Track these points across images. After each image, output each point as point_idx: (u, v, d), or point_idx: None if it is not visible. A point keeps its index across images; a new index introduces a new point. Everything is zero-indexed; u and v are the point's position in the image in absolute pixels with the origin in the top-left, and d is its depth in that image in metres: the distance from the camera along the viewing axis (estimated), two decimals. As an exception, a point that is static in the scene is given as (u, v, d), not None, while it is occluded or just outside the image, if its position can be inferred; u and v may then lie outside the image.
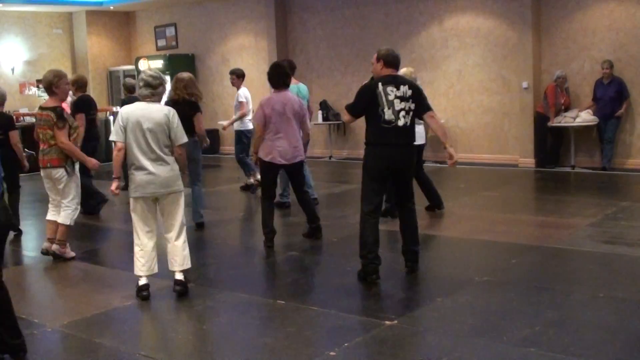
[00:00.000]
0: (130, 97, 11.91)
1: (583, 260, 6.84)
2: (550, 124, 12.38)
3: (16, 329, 4.64)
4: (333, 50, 15.71)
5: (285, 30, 16.46)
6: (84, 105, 9.53)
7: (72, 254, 7.47)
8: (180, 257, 6.02)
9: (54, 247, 7.40)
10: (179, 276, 6.05)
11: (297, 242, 7.66)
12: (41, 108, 7.29)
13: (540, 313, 5.28)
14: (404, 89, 6.12)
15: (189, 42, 18.22)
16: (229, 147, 17.56)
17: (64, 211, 7.30)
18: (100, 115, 14.72)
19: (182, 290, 6.01)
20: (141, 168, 5.85)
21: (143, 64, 17.88)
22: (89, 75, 18.40)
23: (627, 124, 12.26)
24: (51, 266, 7.39)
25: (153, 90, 5.91)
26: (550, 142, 12.75)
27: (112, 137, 5.92)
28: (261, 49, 16.73)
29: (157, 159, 5.85)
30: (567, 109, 12.49)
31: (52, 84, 7.11)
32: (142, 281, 6.02)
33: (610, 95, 12.00)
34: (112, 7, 18.29)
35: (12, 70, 17.82)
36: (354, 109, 6.33)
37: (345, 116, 6.52)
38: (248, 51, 17.06)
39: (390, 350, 4.75)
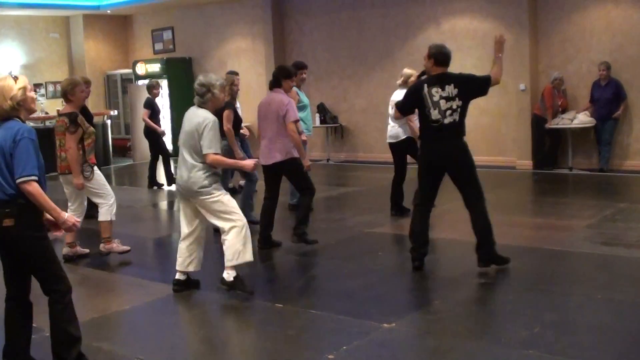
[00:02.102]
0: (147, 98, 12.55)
1: (581, 262, 6.84)
2: (547, 125, 12.39)
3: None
4: (330, 53, 15.71)
5: (283, 33, 16.47)
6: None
7: (125, 247, 7.56)
8: (228, 251, 5.91)
9: (101, 246, 7.52)
10: (224, 273, 5.97)
11: (295, 246, 7.65)
12: (58, 115, 7.45)
13: (538, 315, 5.28)
14: (449, 88, 6.28)
15: (186, 45, 18.22)
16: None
17: (101, 209, 7.41)
18: (97, 119, 14.68)
19: (223, 288, 5.98)
20: (178, 168, 6.06)
21: (140, 68, 17.89)
22: (86, 80, 18.39)
23: (625, 126, 12.26)
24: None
25: (200, 98, 5.96)
26: (548, 144, 12.76)
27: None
28: (258, 53, 16.74)
29: (186, 162, 5.94)
30: (564, 111, 12.50)
31: (66, 92, 7.24)
32: (176, 275, 6.21)
33: (607, 96, 12.01)
34: (109, 11, 18.28)
35: (10, 74, 17.79)
36: (402, 109, 6.71)
37: (396, 113, 6.83)
38: (245, 54, 17.06)
39: (388, 353, 4.75)
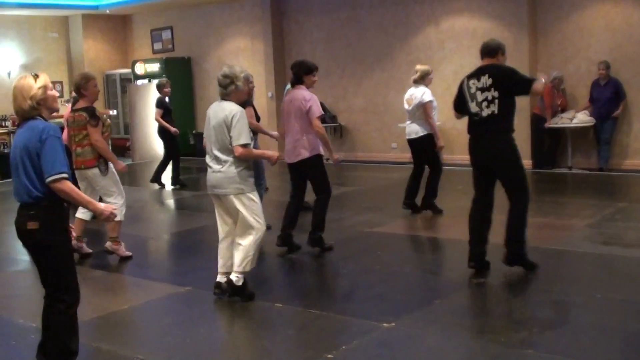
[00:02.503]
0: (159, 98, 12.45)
1: (580, 261, 6.84)
2: (547, 125, 12.38)
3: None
4: (329, 52, 15.70)
5: (282, 32, 16.46)
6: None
7: (127, 253, 7.50)
8: (238, 256, 5.76)
9: (107, 244, 7.48)
10: (232, 275, 5.82)
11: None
12: (73, 110, 7.42)
13: (538, 315, 5.28)
14: (484, 79, 6.17)
15: (186, 45, 18.21)
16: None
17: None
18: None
19: (226, 290, 5.86)
20: (208, 166, 5.86)
21: (139, 68, 17.88)
22: (85, 79, 18.38)
23: (624, 125, 12.27)
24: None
25: (223, 90, 5.75)
26: (547, 144, 12.76)
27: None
28: (257, 52, 16.73)
29: (215, 158, 5.76)
30: (563, 110, 12.50)
31: (80, 86, 7.22)
32: (217, 278, 6.00)
33: (606, 96, 12.01)
34: (108, 11, 18.26)
35: (9, 74, 17.79)
36: (454, 106, 6.60)
37: (454, 113, 6.69)
38: (244, 54, 17.05)
39: (388, 352, 4.74)
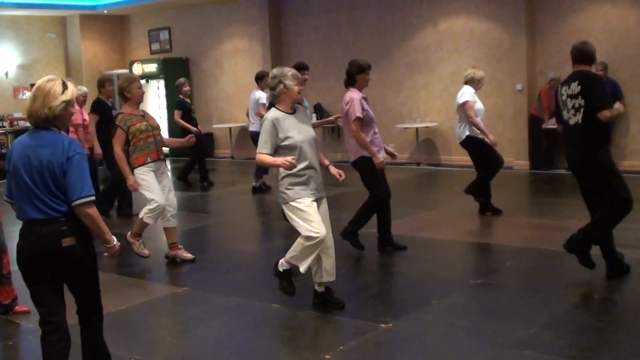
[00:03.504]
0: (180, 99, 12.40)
1: (578, 262, 6.83)
2: (544, 126, 12.39)
3: None
4: (327, 53, 15.70)
5: (279, 34, 16.46)
6: (97, 107, 9.81)
7: (145, 252, 7.37)
8: (292, 248, 5.53)
9: (128, 234, 7.38)
10: (282, 259, 5.58)
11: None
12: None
13: (535, 315, 5.28)
14: (574, 86, 5.91)
15: (183, 45, 18.20)
16: (223, 150, 17.57)
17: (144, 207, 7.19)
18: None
19: (274, 272, 5.63)
20: (310, 167, 5.60)
21: (137, 68, 17.86)
22: (82, 80, 18.36)
23: (622, 126, 12.28)
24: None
25: (273, 92, 5.49)
26: (545, 144, 12.76)
27: None
28: (255, 53, 16.73)
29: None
30: (561, 111, 12.51)
31: (123, 89, 7.09)
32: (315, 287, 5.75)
33: (604, 97, 12.01)
34: (105, 11, 18.25)
35: (6, 74, 17.78)
36: (557, 119, 6.44)
37: (558, 126, 6.54)
38: (242, 55, 17.04)
39: (385, 353, 4.75)
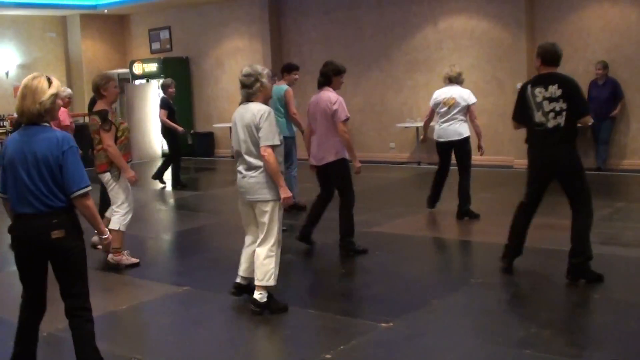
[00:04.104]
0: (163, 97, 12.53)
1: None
2: (545, 125, 12.38)
3: None
4: (327, 52, 15.66)
5: (280, 32, 16.46)
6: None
7: (133, 260, 7.24)
8: (259, 270, 5.50)
9: (109, 256, 7.16)
10: (255, 293, 5.55)
11: (292, 245, 7.65)
12: (90, 112, 7.28)
13: (535, 314, 5.28)
14: (553, 89, 5.96)
15: (184, 45, 18.21)
16: (223, 150, 17.57)
17: (114, 216, 7.10)
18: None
19: (254, 311, 5.51)
20: (237, 170, 5.65)
21: (137, 68, 17.86)
22: (83, 79, 18.39)
23: (622, 125, 12.28)
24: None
25: (249, 90, 5.51)
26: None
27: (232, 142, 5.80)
28: (256, 52, 16.72)
29: (245, 163, 5.54)
30: (561, 110, 12.50)
31: (99, 86, 7.05)
32: (236, 279, 5.89)
33: (604, 96, 12.02)
34: (106, 11, 18.26)
35: (7, 74, 17.79)
36: (514, 115, 6.40)
37: (512, 123, 6.55)
38: (242, 54, 17.04)
39: (386, 352, 4.74)
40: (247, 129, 5.44)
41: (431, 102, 8.91)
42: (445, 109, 8.69)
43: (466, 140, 8.70)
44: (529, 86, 6.11)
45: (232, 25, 17.25)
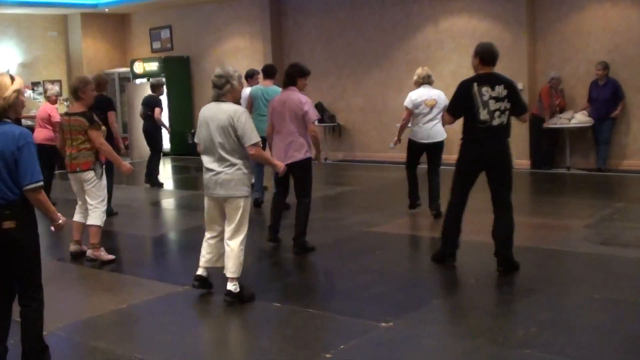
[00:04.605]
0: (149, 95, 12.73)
1: (579, 261, 6.85)
2: (545, 125, 12.39)
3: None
4: (328, 52, 15.70)
5: (280, 32, 16.46)
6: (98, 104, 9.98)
7: (110, 256, 7.40)
8: (232, 263, 5.75)
9: (88, 251, 7.40)
10: (229, 285, 5.78)
11: (291, 244, 7.64)
12: (68, 114, 7.39)
13: (535, 314, 5.28)
14: (499, 89, 6.21)
15: (184, 44, 18.21)
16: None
17: (94, 212, 7.30)
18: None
19: (229, 301, 5.76)
20: (207, 169, 5.82)
21: (138, 67, 17.87)
22: (84, 78, 18.38)
23: (622, 125, 12.27)
24: (46, 269, 7.35)
25: (219, 90, 5.73)
26: (546, 144, 12.76)
27: (195, 139, 6.04)
28: (256, 51, 16.73)
29: (220, 160, 5.72)
30: (562, 111, 12.51)
31: (78, 89, 7.22)
32: (197, 271, 6.05)
33: (605, 96, 12.02)
34: (107, 10, 18.26)
35: (7, 72, 17.78)
36: (453, 110, 6.50)
37: (446, 117, 6.66)
38: (243, 53, 17.05)
39: (386, 352, 4.75)
40: (223, 129, 5.64)
41: (408, 104, 8.94)
42: (427, 109, 8.78)
43: (443, 142, 8.89)
44: (475, 84, 6.26)
45: (233, 24, 17.25)
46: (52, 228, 4.48)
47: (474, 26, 13.60)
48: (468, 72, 13.47)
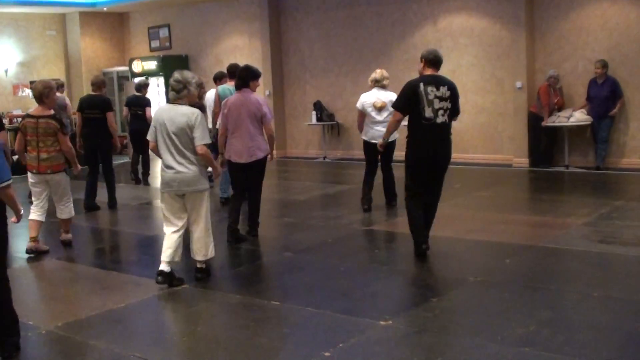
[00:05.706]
0: (135, 95, 12.99)
1: (577, 259, 6.85)
2: (544, 123, 12.39)
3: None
4: (327, 50, 15.70)
5: (279, 31, 16.45)
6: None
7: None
8: (204, 248, 6.38)
9: (68, 236, 7.99)
10: (199, 265, 6.45)
11: (291, 243, 7.66)
12: (34, 116, 7.55)
13: (534, 313, 5.29)
14: (444, 89, 6.69)
15: (183, 43, 18.20)
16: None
17: (66, 208, 7.83)
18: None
19: (202, 277, 6.42)
20: (168, 167, 6.23)
21: (136, 65, 17.86)
22: (82, 77, 18.39)
23: (621, 124, 12.28)
24: (45, 268, 7.37)
25: (176, 94, 6.21)
26: (544, 142, 12.76)
27: (147, 136, 6.41)
28: (255, 50, 16.72)
29: (182, 158, 6.17)
30: (560, 109, 12.51)
31: (42, 94, 7.49)
32: (160, 266, 6.28)
33: (604, 94, 12.02)
34: (105, 9, 18.24)
35: (6, 72, 17.77)
36: (400, 108, 6.87)
37: (396, 116, 6.98)
38: (242, 52, 17.03)
39: (384, 350, 4.75)
40: (181, 130, 6.11)
41: (359, 106, 9.21)
42: (376, 111, 9.01)
43: (394, 143, 9.00)
44: (422, 84, 6.66)
45: (231, 23, 17.25)
46: (14, 219, 4.79)
47: (472, 25, 13.60)
48: (466, 71, 13.60)
